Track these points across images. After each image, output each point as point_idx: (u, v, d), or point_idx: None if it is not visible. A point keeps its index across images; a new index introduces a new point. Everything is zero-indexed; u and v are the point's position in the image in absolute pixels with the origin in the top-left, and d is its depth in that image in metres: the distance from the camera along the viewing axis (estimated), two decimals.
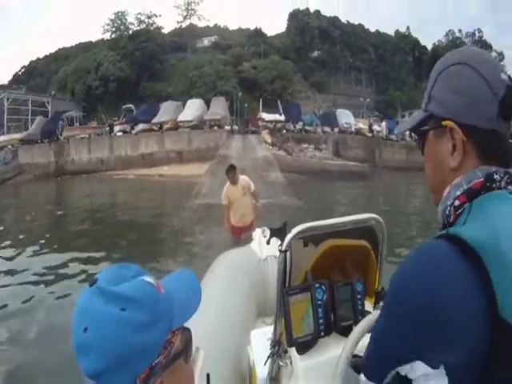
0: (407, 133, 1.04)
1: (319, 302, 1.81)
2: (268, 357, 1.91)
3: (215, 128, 32.60)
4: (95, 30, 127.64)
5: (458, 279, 0.70)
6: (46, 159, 31.17)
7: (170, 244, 10.70)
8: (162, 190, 24.24)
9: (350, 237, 2.06)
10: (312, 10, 59.41)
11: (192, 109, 34.57)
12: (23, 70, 64.25)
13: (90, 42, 60.84)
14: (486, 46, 65.79)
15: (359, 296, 1.95)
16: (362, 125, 38.55)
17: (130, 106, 41.23)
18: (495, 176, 0.85)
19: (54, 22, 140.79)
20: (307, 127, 35.77)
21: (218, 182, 11.63)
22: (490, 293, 0.68)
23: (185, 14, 62.09)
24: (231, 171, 7.12)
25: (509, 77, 0.88)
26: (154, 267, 8.04)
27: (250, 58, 52.85)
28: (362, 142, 35.48)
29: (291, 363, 1.85)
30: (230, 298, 3.35)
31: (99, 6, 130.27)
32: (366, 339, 1.42)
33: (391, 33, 65.96)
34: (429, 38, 69.16)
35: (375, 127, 38.28)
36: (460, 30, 67.18)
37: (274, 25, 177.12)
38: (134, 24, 54.99)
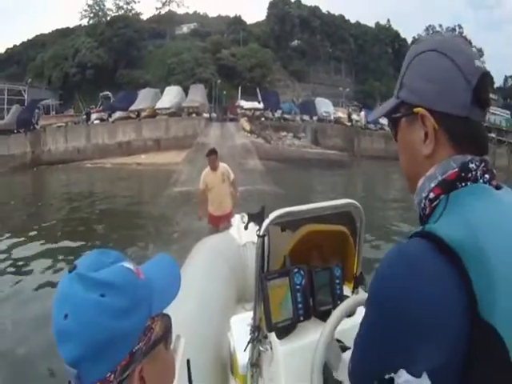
0: (385, 122, 1.03)
1: (298, 287, 1.82)
2: (248, 342, 1.92)
3: (193, 115, 32.32)
4: (73, 16, 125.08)
5: (436, 279, 0.69)
6: (22, 149, 30.31)
7: (149, 231, 10.69)
8: (139, 178, 24.10)
9: (328, 222, 2.07)
10: None
11: (170, 96, 34.27)
12: None
13: (68, 28, 59.50)
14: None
15: (338, 281, 1.96)
16: (341, 114, 38.77)
17: (108, 93, 40.72)
18: (470, 165, 0.84)
19: (31, 7, 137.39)
20: (286, 115, 35.74)
21: (196, 170, 11.60)
22: (470, 292, 0.67)
23: (164, 0, 61.44)
24: (212, 154, 6.97)
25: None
26: (133, 253, 8.04)
27: (229, 45, 52.49)
28: (341, 130, 35.68)
29: (271, 348, 1.86)
30: (209, 284, 3.36)
31: None
32: (345, 323, 1.43)
33: (371, 25, 66.34)
34: (409, 32, 69.86)
35: (354, 116, 38.58)
36: (440, 25, 67.81)
37: (254, 13, 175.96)
38: (112, 10, 54.29)
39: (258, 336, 1.88)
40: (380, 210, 13.40)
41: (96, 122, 34.00)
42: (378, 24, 66.11)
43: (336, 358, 1.37)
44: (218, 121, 34.18)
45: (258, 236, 1.81)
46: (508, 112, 42.16)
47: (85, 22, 54.84)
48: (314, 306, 1.88)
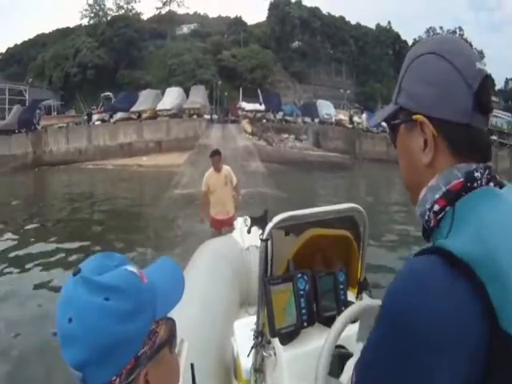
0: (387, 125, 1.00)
1: (301, 292, 1.81)
2: (251, 348, 1.91)
3: (194, 117, 32.37)
4: (73, 16, 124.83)
5: (444, 294, 0.66)
6: (24, 150, 30.29)
7: (150, 233, 10.63)
8: (141, 179, 24.09)
9: (331, 226, 2.06)
10: (293, 0, 59.29)
11: (171, 97, 34.29)
12: (0, 57, 62.82)
13: (68, 27, 59.60)
14: None
15: (342, 286, 1.96)
16: (343, 116, 38.77)
17: (109, 93, 40.73)
18: (476, 174, 0.80)
19: (32, 6, 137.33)
20: (287, 117, 35.73)
21: (197, 172, 11.58)
22: (487, 303, 0.65)
23: (164, 0, 61.52)
24: (216, 155, 6.83)
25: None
26: (134, 256, 8.01)
27: (230, 46, 52.57)
28: (343, 133, 35.67)
29: (275, 354, 1.85)
30: (213, 287, 3.34)
31: None
32: (349, 329, 1.43)
33: (372, 26, 66.40)
34: (410, 34, 69.90)
35: (355, 119, 38.52)
36: (441, 27, 67.84)
37: (255, 13, 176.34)
38: (112, 9, 54.42)
39: (261, 341, 1.87)
40: (383, 213, 13.37)
41: (97, 122, 34.09)
42: (378, 25, 66.17)
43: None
44: (219, 122, 34.17)
45: (261, 240, 1.80)
46: (509, 114, 42.07)
47: (85, 21, 55.23)
48: (318, 311, 1.87)
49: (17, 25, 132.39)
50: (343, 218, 2.09)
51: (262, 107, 34.80)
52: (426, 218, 0.84)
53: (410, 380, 0.68)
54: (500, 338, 0.65)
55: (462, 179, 0.80)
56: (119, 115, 33.41)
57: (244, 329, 2.25)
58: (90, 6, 54.07)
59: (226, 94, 41.87)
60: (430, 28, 68.21)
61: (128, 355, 0.72)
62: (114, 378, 0.71)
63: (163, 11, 62.23)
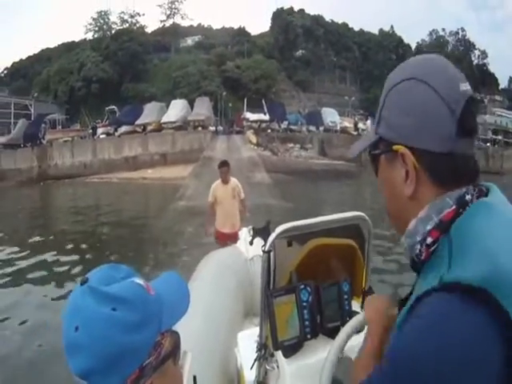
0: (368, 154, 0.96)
1: (304, 304, 1.79)
2: (254, 360, 1.88)
3: (199, 129, 32.48)
4: (78, 30, 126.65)
5: (478, 335, 0.61)
6: (29, 164, 30.59)
7: (155, 245, 10.68)
8: (146, 192, 24.18)
9: (335, 236, 2.03)
10: (296, 9, 59.78)
11: (176, 109, 34.45)
12: (5, 71, 63.61)
13: (73, 42, 60.47)
14: (470, 45, 66.76)
15: (346, 296, 1.93)
16: (348, 123, 38.82)
17: (113, 107, 40.97)
18: (467, 197, 0.76)
19: (36, 21, 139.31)
20: (292, 126, 35.82)
21: (202, 184, 11.58)
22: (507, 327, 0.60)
23: (168, 12, 62.14)
24: (224, 166, 6.68)
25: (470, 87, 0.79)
26: (140, 268, 7.97)
27: (234, 57, 53.02)
28: (348, 140, 35.52)
29: (278, 367, 1.82)
30: (216, 297, 3.32)
31: (82, 4, 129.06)
32: (354, 340, 1.39)
33: (375, 31, 66.76)
34: (413, 37, 70.27)
35: (360, 125, 38.57)
36: (444, 29, 68.13)
37: (258, 24, 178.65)
38: (116, 23, 55.01)
39: (264, 354, 1.85)
40: (389, 222, 13.31)
41: (102, 136, 34.35)
42: (381, 30, 66.54)
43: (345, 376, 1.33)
44: (224, 134, 34.35)
45: (264, 252, 1.78)
46: None
47: (90, 35, 55.97)
48: (322, 322, 1.84)
49: (22, 39, 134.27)
50: (347, 227, 2.06)
51: (267, 117, 34.79)
52: (417, 251, 0.79)
53: None
54: None
55: (454, 207, 0.76)
56: (124, 128, 33.60)
57: (248, 340, 2.22)
58: (94, 20, 54.85)
59: (230, 104, 42.12)
60: (433, 30, 68.76)
61: (133, 365, 0.73)
62: None
63: (167, 24, 63.15)
